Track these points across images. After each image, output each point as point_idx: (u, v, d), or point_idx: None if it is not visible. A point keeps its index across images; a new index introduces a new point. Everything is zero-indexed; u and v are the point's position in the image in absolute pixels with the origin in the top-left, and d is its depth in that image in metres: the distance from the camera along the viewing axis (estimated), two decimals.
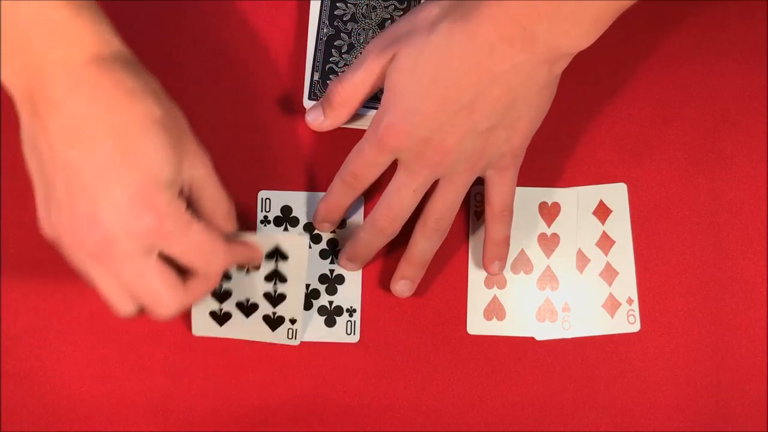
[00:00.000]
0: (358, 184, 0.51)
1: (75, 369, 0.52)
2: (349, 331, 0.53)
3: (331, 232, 0.54)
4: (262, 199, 0.54)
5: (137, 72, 0.42)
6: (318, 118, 0.52)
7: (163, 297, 0.43)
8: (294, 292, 0.50)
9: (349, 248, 0.52)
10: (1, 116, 0.55)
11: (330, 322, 0.53)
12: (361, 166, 0.50)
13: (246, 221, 0.53)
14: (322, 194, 0.54)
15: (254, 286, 0.50)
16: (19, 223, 0.53)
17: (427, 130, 0.47)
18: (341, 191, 0.51)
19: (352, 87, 0.50)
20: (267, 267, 0.49)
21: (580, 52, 0.46)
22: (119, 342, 0.52)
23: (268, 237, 0.50)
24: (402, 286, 0.52)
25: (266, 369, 0.52)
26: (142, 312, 0.44)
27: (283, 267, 0.50)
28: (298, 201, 0.54)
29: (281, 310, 0.51)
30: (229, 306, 0.51)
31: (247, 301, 0.51)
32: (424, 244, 0.51)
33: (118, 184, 0.40)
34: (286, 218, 0.54)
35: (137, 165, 0.41)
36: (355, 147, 0.50)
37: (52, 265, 0.53)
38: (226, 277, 0.50)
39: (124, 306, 0.44)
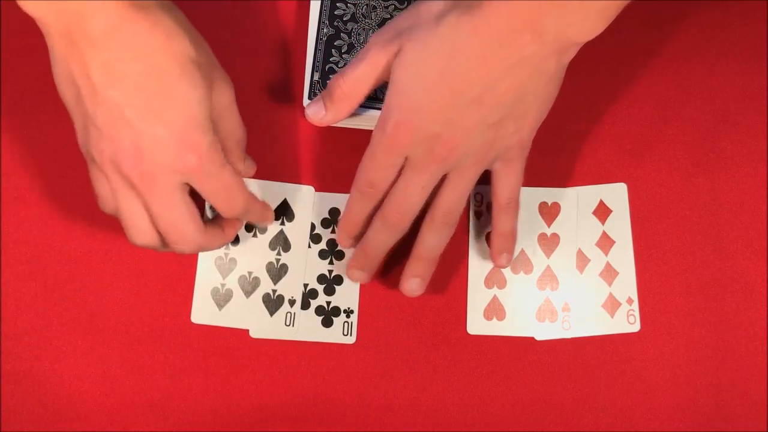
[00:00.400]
0: (376, 192, 0.50)
1: (75, 369, 0.52)
2: (345, 332, 0.53)
3: (332, 233, 0.54)
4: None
5: (171, 10, 0.44)
6: (319, 113, 0.51)
7: (188, 231, 0.46)
8: (297, 260, 0.52)
9: (358, 253, 0.52)
10: (1, 116, 0.55)
11: (327, 323, 0.53)
12: (376, 171, 0.49)
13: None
14: (321, 194, 0.54)
15: (259, 253, 0.52)
16: (19, 223, 0.53)
17: (437, 125, 0.46)
18: (360, 203, 0.51)
19: (354, 81, 0.49)
20: (273, 231, 0.52)
21: (579, 51, 0.46)
22: (119, 342, 0.52)
23: (274, 189, 0.53)
24: (412, 284, 0.51)
25: (265, 369, 0.52)
26: (155, 246, 0.47)
27: (289, 230, 0.52)
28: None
29: (282, 287, 0.52)
30: (231, 282, 0.52)
31: (250, 274, 0.52)
32: (433, 239, 0.51)
33: (161, 123, 0.43)
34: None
35: (178, 105, 0.43)
36: (366, 154, 0.49)
37: (52, 265, 0.53)
38: (235, 240, 0.53)
39: (144, 236, 0.46)
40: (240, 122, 0.49)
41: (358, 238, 0.52)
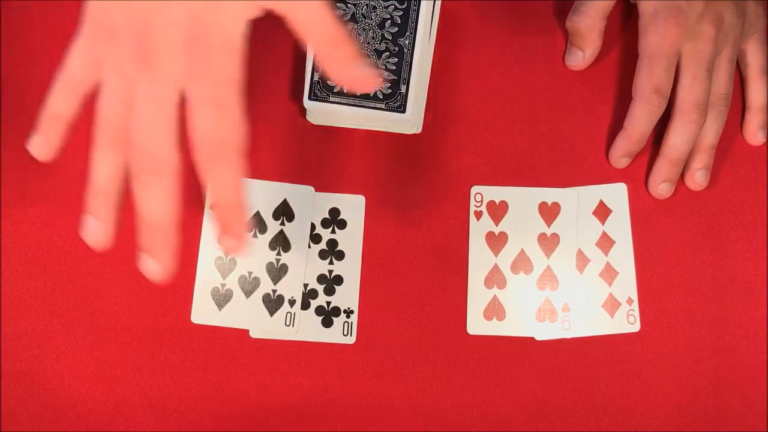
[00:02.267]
0: (662, 99, 0.52)
1: (75, 369, 0.52)
2: (345, 332, 0.53)
3: (331, 233, 0.54)
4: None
5: None
6: (578, 58, 0.55)
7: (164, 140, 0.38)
8: (297, 260, 0.51)
9: (623, 140, 0.53)
10: (1, 116, 0.55)
11: (327, 323, 0.53)
12: (661, 72, 0.51)
13: None
14: (321, 194, 0.54)
15: (259, 253, 0.52)
16: (19, 223, 0.53)
17: (700, 6, 0.51)
18: (646, 115, 0.52)
19: (592, 8, 0.53)
20: (272, 231, 0.51)
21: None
22: (119, 342, 0.52)
23: (274, 189, 0.53)
24: (664, 188, 0.54)
25: (265, 369, 0.52)
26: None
27: (289, 230, 0.51)
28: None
29: (282, 287, 0.52)
30: (231, 282, 0.52)
31: (250, 274, 0.52)
32: (715, 127, 0.53)
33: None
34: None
35: None
36: (644, 61, 0.52)
37: (52, 265, 0.53)
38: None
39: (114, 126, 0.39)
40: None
41: (633, 155, 0.54)
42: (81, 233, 0.40)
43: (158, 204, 0.39)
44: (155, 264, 0.40)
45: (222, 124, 0.38)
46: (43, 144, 0.41)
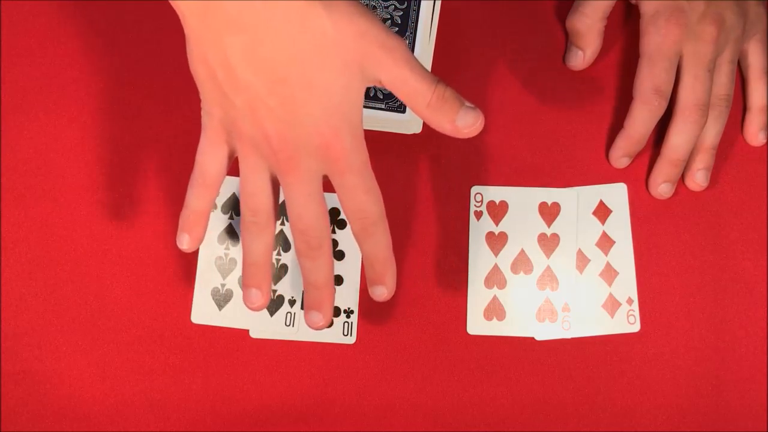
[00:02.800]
0: (662, 99, 0.52)
1: (75, 369, 0.52)
2: (345, 332, 0.53)
3: (331, 233, 0.54)
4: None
5: None
6: (578, 56, 0.55)
7: (319, 224, 0.45)
8: (297, 260, 0.51)
9: (622, 140, 0.53)
10: (1, 117, 0.55)
11: None
12: (659, 75, 0.51)
13: None
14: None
15: None
16: (19, 223, 0.53)
17: (701, 5, 0.51)
18: (646, 116, 0.52)
19: (592, 9, 0.54)
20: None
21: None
22: (119, 342, 0.52)
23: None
24: (664, 188, 0.54)
25: (265, 369, 0.52)
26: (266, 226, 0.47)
27: (289, 230, 0.51)
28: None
29: (282, 287, 0.52)
30: (231, 282, 0.52)
31: None
32: (716, 127, 0.54)
33: (305, 111, 0.42)
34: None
35: (319, 95, 0.41)
36: (645, 61, 0.52)
37: (52, 265, 0.53)
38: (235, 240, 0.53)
39: (265, 207, 0.46)
40: (424, 76, 0.43)
41: (633, 156, 0.54)
42: (244, 302, 0.47)
43: (322, 271, 0.46)
44: (320, 316, 0.47)
45: (368, 203, 0.45)
46: (191, 241, 0.48)
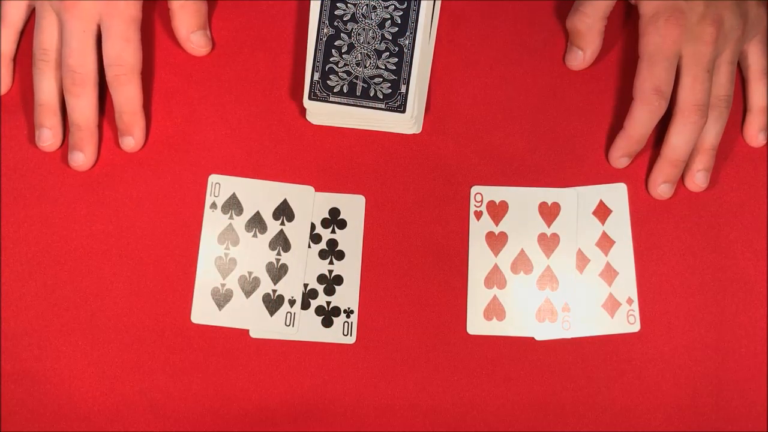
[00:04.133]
0: (662, 100, 0.52)
1: (75, 369, 0.52)
2: (345, 332, 0.53)
3: (331, 233, 0.54)
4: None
5: None
6: (578, 58, 0.55)
7: (88, 62, 0.51)
8: (297, 260, 0.51)
9: (622, 140, 0.53)
10: (1, 117, 0.55)
11: (327, 323, 0.53)
12: (659, 75, 0.51)
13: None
14: (321, 194, 0.54)
15: (259, 253, 0.52)
16: (19, 223, 0.53)
17: (701, 6, 0.51)
18: (646, 116, 0.52)
19: (592, 8, 0.54)
20: (272, 231, 0.52)
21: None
22: (119, 342, 0.52)
23: (274, 189, 0.53)
24: (664, 189, 0.54)
25: (265, 369, 0.52)
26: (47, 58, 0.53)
27: (289, 230, 0.52)
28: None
29: (282, 287, 0.52)
30: (231, 282, 0.52)
31: (250, 274, 0.52)
32: (716, 128, 0.54)
33: None
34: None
35: None
36: (644, 62, 0.52)
37: (52, 265, 0.53)
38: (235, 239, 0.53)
39: (49, 42, 0.52)
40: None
41: (633, 156, 0.54)
42: (36, 143, 0.53)
43: (85, 109, 0.52)
44: (82, 156, 0.53)
45: (126, 52, 0.51)
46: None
